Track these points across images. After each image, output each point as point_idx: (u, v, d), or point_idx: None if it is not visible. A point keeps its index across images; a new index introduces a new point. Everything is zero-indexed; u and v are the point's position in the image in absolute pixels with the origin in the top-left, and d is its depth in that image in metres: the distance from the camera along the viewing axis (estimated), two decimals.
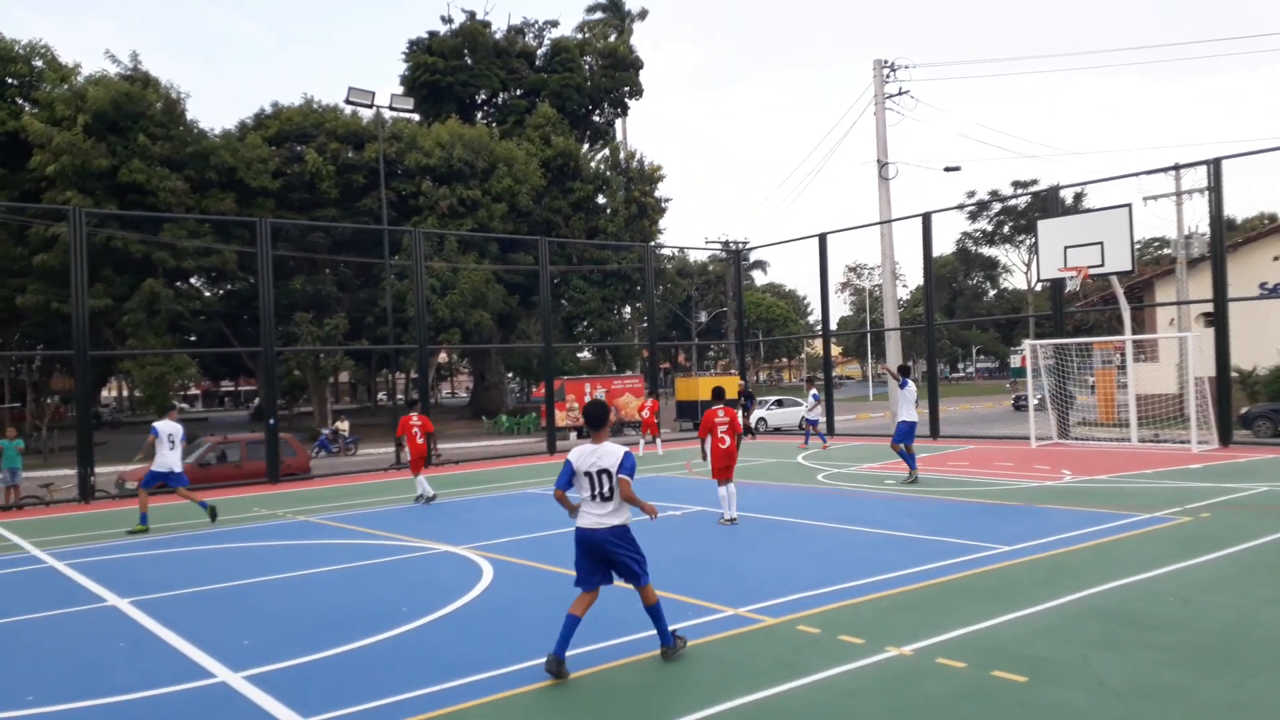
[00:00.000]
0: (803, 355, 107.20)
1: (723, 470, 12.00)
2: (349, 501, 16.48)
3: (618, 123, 57.81)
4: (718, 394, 12.44)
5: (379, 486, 18.91)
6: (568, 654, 5.98)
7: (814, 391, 25.47)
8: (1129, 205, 19.61)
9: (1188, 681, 5.46)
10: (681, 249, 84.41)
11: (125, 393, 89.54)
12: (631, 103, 56.65)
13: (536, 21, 55.68)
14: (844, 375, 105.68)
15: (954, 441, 23.80)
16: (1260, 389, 28.37)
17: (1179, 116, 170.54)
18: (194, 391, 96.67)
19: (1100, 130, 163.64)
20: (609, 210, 49.30)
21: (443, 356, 70.55)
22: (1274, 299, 29.20)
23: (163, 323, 36.28)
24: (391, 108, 33.17)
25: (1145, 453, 18.76)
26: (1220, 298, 19.32)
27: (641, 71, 55.55)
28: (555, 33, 55.61)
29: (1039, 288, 67.27)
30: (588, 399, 38.19)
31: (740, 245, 50.99)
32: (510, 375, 63.60)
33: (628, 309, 55.06)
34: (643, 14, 58.36)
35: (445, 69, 50.67)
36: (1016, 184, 75.00)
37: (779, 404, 37.44)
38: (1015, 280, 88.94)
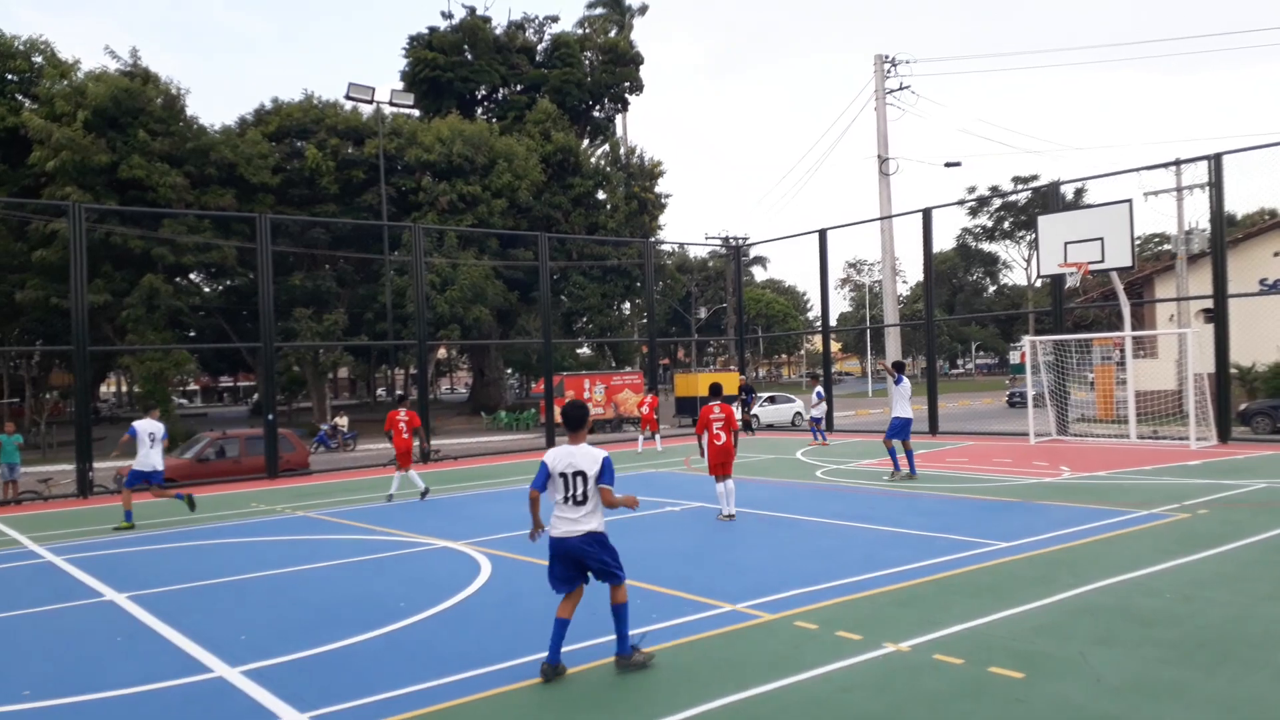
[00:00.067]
0: (802, 351, 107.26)
1: (718, 466, 12.03)
2: (347, 497, 16.49)
3: (618, 118, 57.75)
4: (715, 390, 12.46)
5: (378, 482, 18.89)
6: (568, 647, 5.97)
7: (818, 389, 25.36)
8: (1129, 201, 19.59)
9: (1186, 678, 5.46)
10: (681, 245, 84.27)
11: (124, 388, 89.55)
12: (632, 98, 56.60)
13: (537, 17, 55.60)
14: (844, 371, 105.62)
15: (953, 438, 23.80)
16: (1259, 385, 28.36)
17: (1180, 112, 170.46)
18: (193, 387, 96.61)
19: (1101, 125, 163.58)
20: (609, 206, 49.25)
21: (442, 352, 70.58)
22: (1274, 295, 29.17)
23: (162, 318, 36.26)
24: (392, 103, 33.26)
25: (1144, 449, 18.75)
26: (1220, 294, 19.30)
27: (642, 67, 55.49)
28: (555, 28, 55.54)
29: (1039, 284, 67.28)
30: (569, 397, 38.22)
31: (740, 241, 50.94)
32: (509, 371, 63.63)
33: (627, 305, 55.04)
34: (643, 9, 58.24)
35: (445, 64, 50.59)
36: (1017, 179, 75.03)
37: (771, 400, 37.35)
38: (1015, 276, 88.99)
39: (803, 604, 7.41)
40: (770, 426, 34.33)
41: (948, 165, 35.97)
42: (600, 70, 54.02)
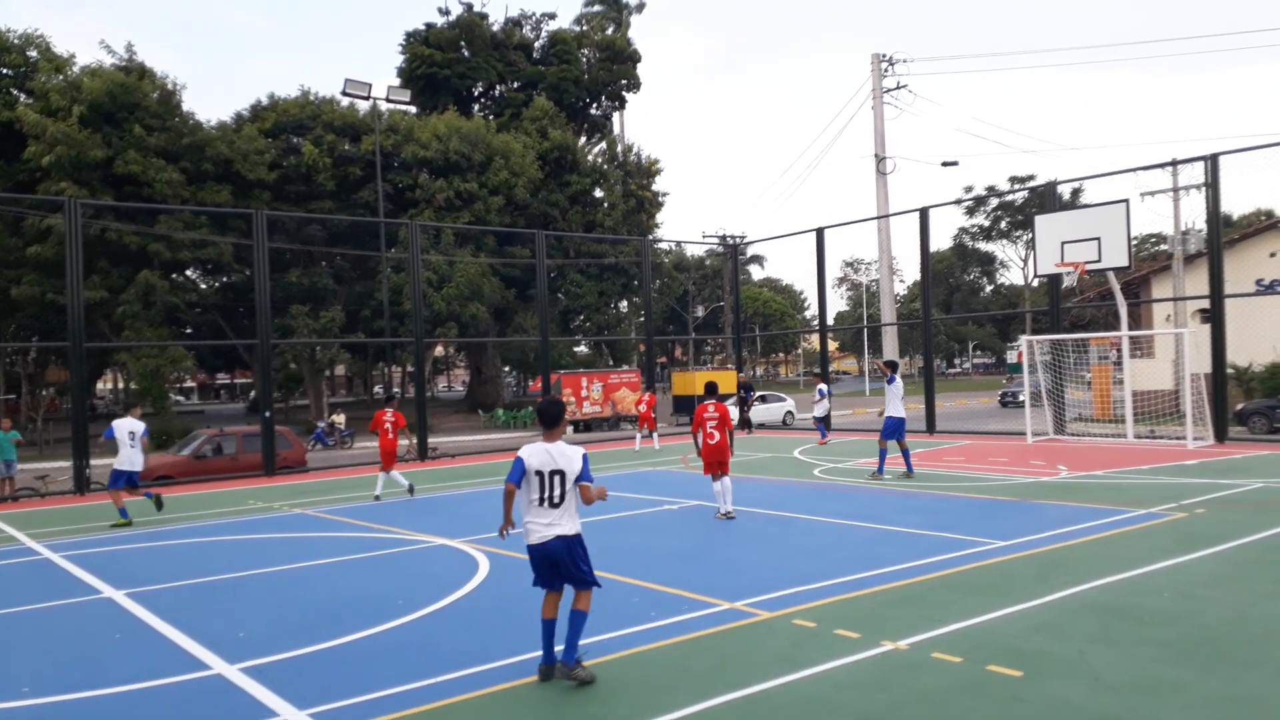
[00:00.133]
0: (799, 350, 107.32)
1: (713, 465, 12.03)
2: (345, 494, 16.47)
3: (615, 116, 57.76)
4: (710, 389, 12.46)
5: (374, 480, 18.87)
6: (559, 647, 5.96)
7: (820, 386, 25.21)
8: (1126, 201, 19.61)
9: (1183, 676, 5.47)
10: (679, 243, 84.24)
11: (121, 385, 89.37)
12: (629, 96, 56.61)
13: (534, 14, 55.54)
14: (841, 370, 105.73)
15: (950, 437, 23.82)
16: (1256, 385, 28.42)
17: (1177, 112, 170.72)
18: (190, 384, 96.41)
19: (1098, 126, 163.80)
20: (606, 204, 49.24)
21: (439, 350, 70.53)
22: (1270, 295, 29.24)
23: (158, 315, 36.19)
24: (388, 100, 33.20)
25: (1141, 449, 18.79)
26: (1217, 294, 19.33)
27: (639, 65, 55.47)
28: (553, 25, 55.55)
29: (1036, 283, 67.40)
30: (565, 395, 38.16)
31: (737, 239, 50.95)
32: (507, 369, 63.60)
33: (625, 303, 55.05)
34: (640, 7, 58.22)
35: (442, 61, 50.54)
36: (1014, 179, 75.09)
37: (763, 400, 37.22)
38: (1012, 276, 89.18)
39: (801, 602, 7.41)
40: (761, 426, 34.34)
41: (945, 165, 35.99)
42: (597, 68, 54.00)
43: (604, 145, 53.68)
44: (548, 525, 5.80)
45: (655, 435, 24.38)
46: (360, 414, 50.51)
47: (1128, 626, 6.47)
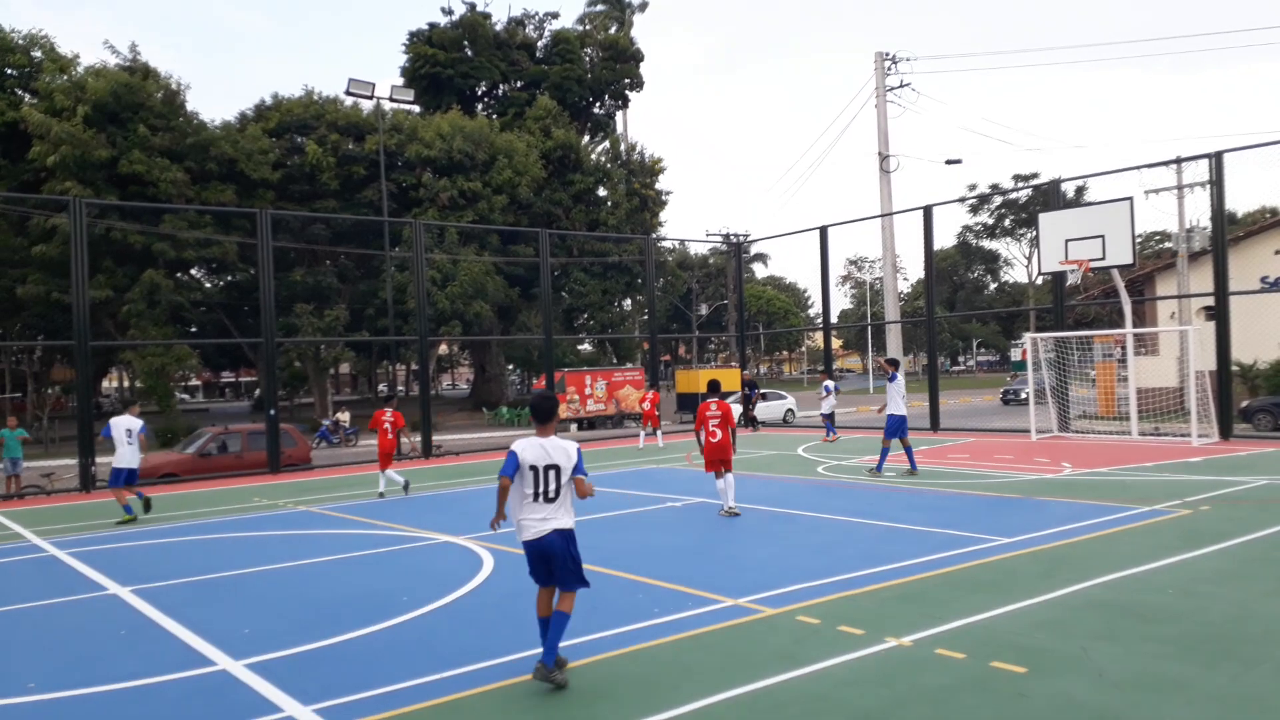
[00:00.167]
0: (803, 348, 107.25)
1: (715, 463, 12.03)
2: (349, 492, 16.50)
3: (618, 115, 57.74)
4: (713, 387, 12.48)
5: (378, 478, 18.90)
6: (564, 644, 5.96)
7: (827, 383, 25.08)
8: (1130, 199, 19.56)
9: (1187, 673, 5.47)
10: (682, 241, 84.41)
11: (126, 383, 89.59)
12: (632, 95, 56.59)
13: (537, 13, 55.50)
14: (844, 368, 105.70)
15: (954, 434, 23.80)
16: (1261, 383, 28.37)
17: (1181, 110, 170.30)
18: (195, 382, 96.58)
19: (1102, 124, 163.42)
20: (610, 203, 49.24)
21: (443, 348, 70.58)
22: (1275, 293, 29.15)
23: (163, 313, 36.26)
24: (392, 99, 33.18)
25: (1145, 446, 18.75)
26: (1221, 291, 19.29)
27: (642, 64, 55.44)
28: (556, 24, 55.51)
29: (1040, 281, 67.26)
30: (570, 393, 38.16)
31: (741, 238, 50.91)
32: (511, 367, 63.64)
33: (628, 301, 55.04)
34: (643, 6, 58.23)
35: (446, 60, 50.56)
36: (1018, 177, 74.96)
37: (763, 397, 37.02)
38: (1016, 274, 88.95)
39: (805, 599, 7.42)
40: (762, 423, 34.31)
41: (948, 163, 36.00)
42: (600, 67, 53.98)
43: (607, 144, 53.67)
44: (543, 520, 5.74)
45: (659, 433, 24.38)
46: (364, 412, 50.54)
47: (1131, 623, 6.46)
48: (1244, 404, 25.50)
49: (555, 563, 5.77)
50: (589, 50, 54.41)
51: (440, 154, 41.83)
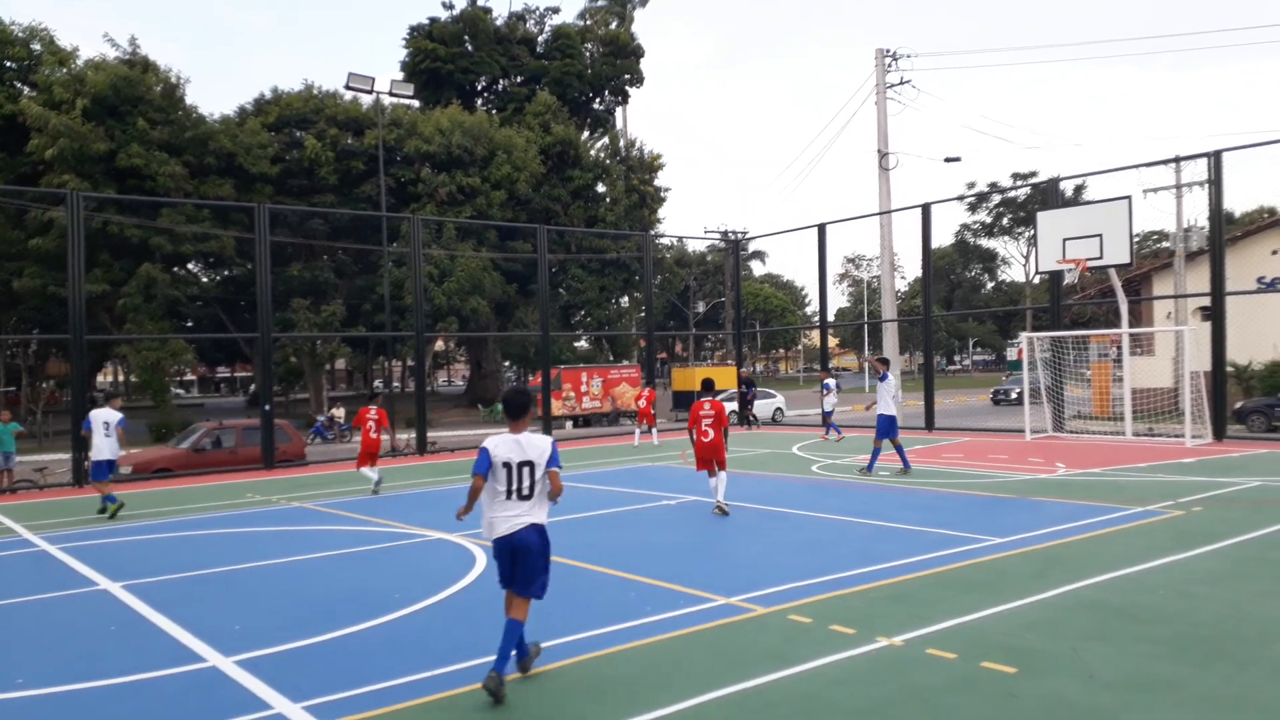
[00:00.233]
0: (800, 347, 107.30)
1: (707, 463, 11.99)
2: (343, 488, 16.47)
3: (618, 111, 57.70)
4: (707, 386, 12.41)
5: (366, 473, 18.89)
6: (554, 641, 5.95)
7: (827, 381, 24.97)
8: (1128, 198, 19.56)
9: (1179, 674, 5.47)
10: (680, 238, 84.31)
11: (121, 377, 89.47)
12: (632, 91, 56.53)
13: (538, 8, 55.41)
14: (841, 367, 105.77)
15: (949, 433, 23.81)
16: (1256, 384, 28.41)
17: (1180, 108, 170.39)
18: (190, 377, 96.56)
19: (1101, 122, 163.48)
20: (608, 199, 49.20)
21: (440, 344, 70.52)
22: (1272, 293, 29.19)
23: (159, 308, 36.19)
24: (391, 94, 33.08)
25: (1140, 446, 18.77)
26: (1218, 292, 19.30)
27: (642, 60, 55.37)
28: (556, 19, 55.48)
29: (1037, 280, 67.30)
30: (566, 390, 38.10)
31: (739, 235, 50.89)
32: (507, 364, 63.57)
33: (626, 298, 55.01)
34: (643, 1, 58.13)
35: (446, 55, 50.48)
36: (1016, 176, 74.99)
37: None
38: (1014, 273, 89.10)
39: (797, 598, 7.41)
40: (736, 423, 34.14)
41: (947, 160, 36.06)
42: (601, 62, 53.92)
43: (606, 140, 53.62)
44: (516, 516, 5.62)
45: (654, 431, 24.38)
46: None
47: (1123, 624, 6.46)
48: (1238, 405, 25.54)
49: (524, 560, 5.63)
50: (589, 46, 54.35)
51: (439, 149, 41.77)
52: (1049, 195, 23.83)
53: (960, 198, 73.15)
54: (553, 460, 5.70)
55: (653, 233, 48.01)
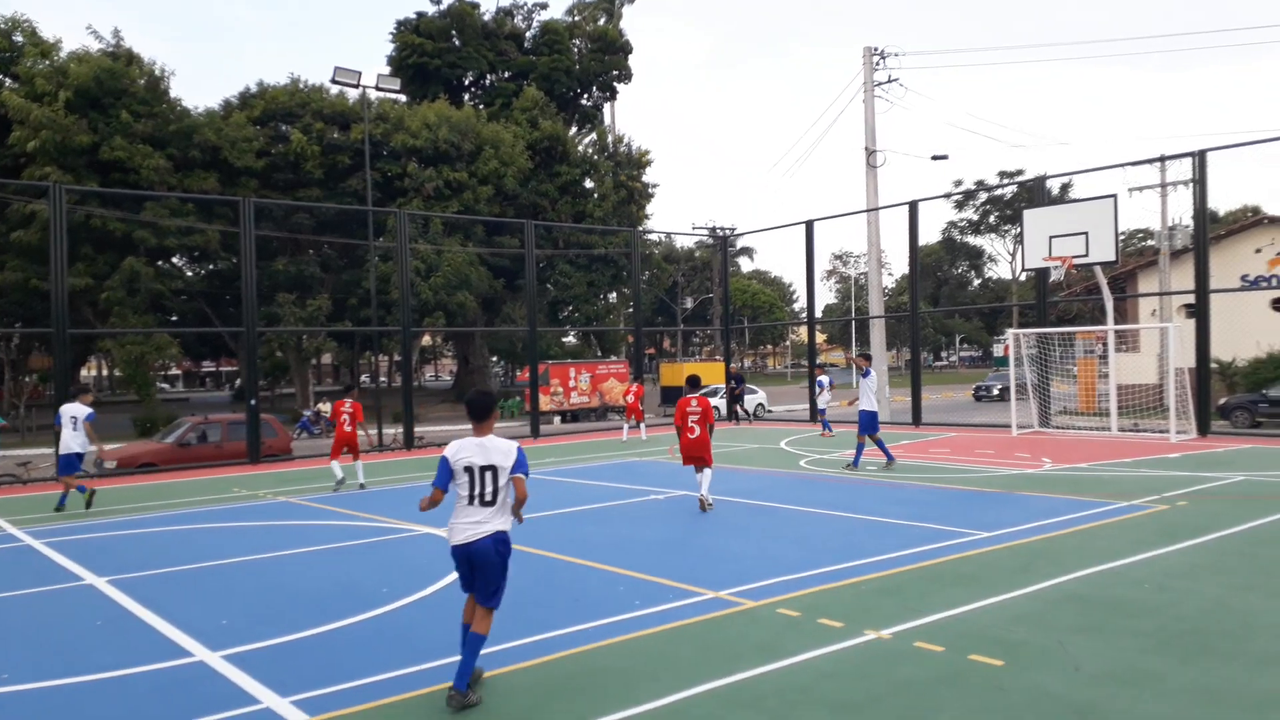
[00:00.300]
0: (787, 342, 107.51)
1: (693, 459, 11.96)
2: (330, 483, 16.39)
3: (606, 107, 57.57)
4: (693, 383, 12.33)
5: (355, 469, 18.81)
6: (542, 636, 5.92)
7: (822, 378, 24.94)
8: (1114, 196, 19.68)
9: (1162, 667, 5.52)
10: (668, 234, 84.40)
11: (105, 372, 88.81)
12: (620, 87, 56.42)
13: (526, 3, 55.19)
14: (829, 363, 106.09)
15: (935, 429, 23.92)
16: (1239, 380, 28.67)
17: (1166, 108, 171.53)
18: (175, 371, 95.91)
19: (1088, 121, 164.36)
20: (596, 195, 49.11)
21: (426, 339, 70.31)
22: (1255, 291, 29.46)
23: (143, 302, 35.92)
24: (378, 88, 32.86)
25: (1125, 442, 18.91)
26: (1202, 289, 19.45)
27: (631, 56, 55.28)
28: (544, 15, 55.24)
29: (1023, 277, 67.67)
30: (554, 386, 38.05)
31: (727, 231, 50.91)
32: (494, 359, 63.45)
33: (614, 294, 54.95)
34: None
35: (433, 50, 50.23)
36: (1003, 174, 75.33)
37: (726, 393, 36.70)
38: (1000, 270, 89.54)
39: (785, 591, 7.43)
40: (743, 417, 34.26)
41: (935, 158, 36.15)
42: (589, 58, 53.78)
43: (594, 136, 53.50)
44: (477, 524, 5.37)
45: (643, 426, 24.38)
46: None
47: (1108, 617, 6.51)
48: (1222, 401, 25.76)
49: (481, 571, 5.41)
50: (578, 41, 54.18)
51: (426, 144, 41.58)
52: (1035, 193, 23.95)
53: (947, 195, 73.55)
54: (519, 466, 5.44)
55: (641, 229, 47.96)
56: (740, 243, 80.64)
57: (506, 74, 53.27)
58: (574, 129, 54.23)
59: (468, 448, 5.47)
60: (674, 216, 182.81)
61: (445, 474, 5.50)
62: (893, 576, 7.89)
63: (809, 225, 27.53)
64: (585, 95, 55.72)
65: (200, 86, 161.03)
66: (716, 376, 36.82)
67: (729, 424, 28.31)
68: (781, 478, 15.17)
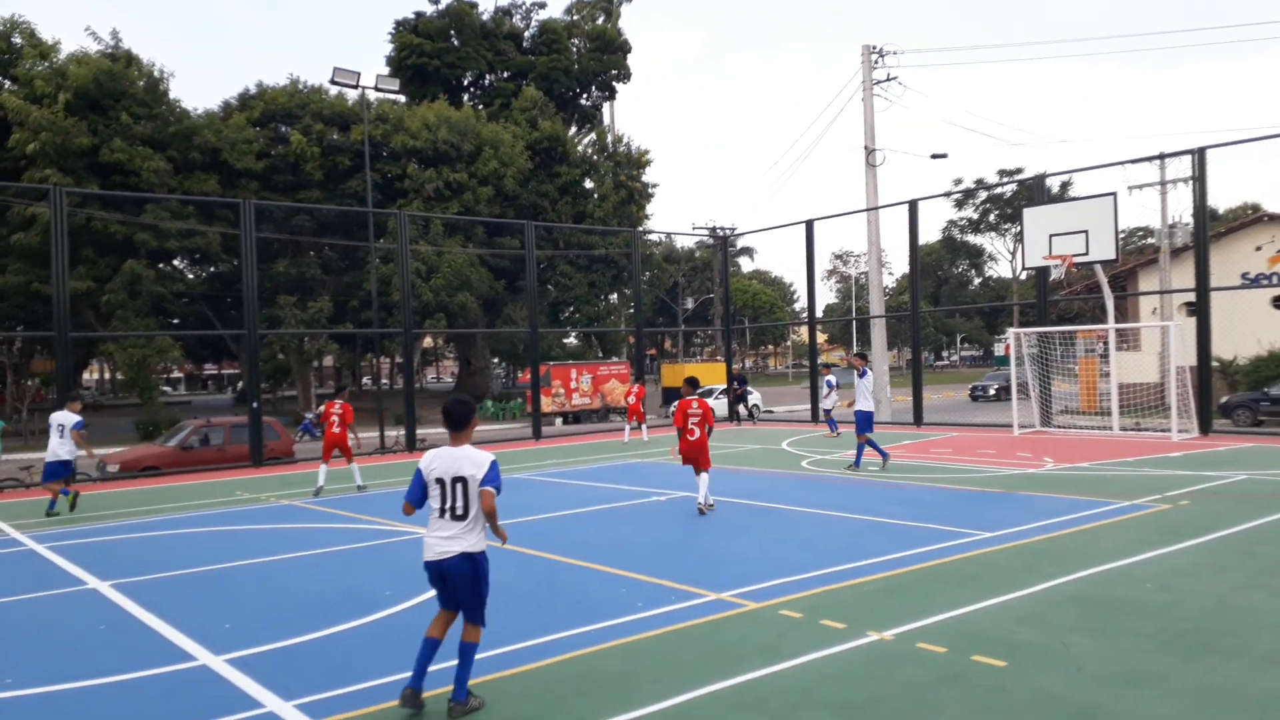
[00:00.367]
0: (788, 342, 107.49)
1: (689, 461, 11.95)
2: (332, 486, 16.39)
3: (605, 106, 57.57)
4: (692, 384, 12.29)
5: (363, 471, 18.83)
6: (546, 638, 5.94)
7: (829, 378, 24.82)
8: (1114, 194, 19.68)
9: (1165, 666, 5.52)
10: (669, 234, 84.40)
11: (107, 375, 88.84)
12: (619, 86, 56.42)
13: (524, 3, 55.18)
14: (830, 362, 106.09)
15: (937, 429, 23.91)
16: (1240, 378, 28.66)
17: (1166, 105, 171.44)
18: (177, 375, 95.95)
19: (1087, 118, 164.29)
20: (596, 195, 49.11)
21: (428, 341, 70.32)
22: (1255, 289, 29.45)
23: (145, 304, 35.94)
24: (377, 89, 32.87)
25: (1126, 441, 18.90)
26: (1202, 287, 19.44)
27: (630, 55, 55.27)
28: (543, 15, 55.26)
29: (1024, 276, 67.66)
30: (555, 387, 38.04)
31: (727, 231, 50.89)
32: (496, 360, 63.47)
33: (614, 294, 54.96)
34: None
35: (432, 50, 50.25)
36: (1002, 172, 75.27)
37: (725, 393, 36.45)
38: (1000, 269, 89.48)
39: (788, 593, 7.44)
40: (721, 420, 34.14)
41: (934, 157, 36.14)
42: (588, 58, 53.78)
43: (594, 136, 53.50)
44: (449, 539, 5.18)
45: (644, 427, 24.38)
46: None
47: (1111, 617, 6.51)
48: (1223, 399, 25.75)
49: (457, 589, 5.24)
50: (576, 41, 54.19)
51: (426, 145, 41.60)
52: (1035, 192, 23.95)
53: (947, 194, 73.56)
54: (489, 479, 5.20)
55: (641, 229, 47.96)
56: (740, 243, 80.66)
57: (505, 74, 53.28)
58: (573, 129, 54.23)
59: (440, 458, 5.30)
60: (674, 216, 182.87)
61: (417, 485, 5.33)
62: (895, 577, 7.89)
63: (809, 225, 27.53)
64: (584, 95, 55.72)
65: (199, 87, 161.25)
66: (717, 377, 36.84)
67: (730, 424, 28.30)
68: (783, 478, 15.17)
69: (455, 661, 5.25)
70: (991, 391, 44.62)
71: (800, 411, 36.67)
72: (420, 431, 24.61)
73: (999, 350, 75.39)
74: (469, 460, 5.23)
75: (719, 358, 41.57)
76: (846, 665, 5.71)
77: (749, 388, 32.12)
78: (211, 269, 43.52)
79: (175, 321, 42.91)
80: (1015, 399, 22.44)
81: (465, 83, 53.94)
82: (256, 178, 39.27)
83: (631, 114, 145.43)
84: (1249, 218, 35.91)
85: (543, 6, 55.61)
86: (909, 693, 5.21)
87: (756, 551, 9.24)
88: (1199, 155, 19.34)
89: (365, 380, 77.11)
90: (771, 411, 38.36)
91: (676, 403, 12.39)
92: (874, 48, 30.16)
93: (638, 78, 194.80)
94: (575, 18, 55.24)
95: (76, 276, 32.42)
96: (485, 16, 53.08)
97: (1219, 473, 13.65)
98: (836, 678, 5.51)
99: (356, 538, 10.90)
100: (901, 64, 37.03)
